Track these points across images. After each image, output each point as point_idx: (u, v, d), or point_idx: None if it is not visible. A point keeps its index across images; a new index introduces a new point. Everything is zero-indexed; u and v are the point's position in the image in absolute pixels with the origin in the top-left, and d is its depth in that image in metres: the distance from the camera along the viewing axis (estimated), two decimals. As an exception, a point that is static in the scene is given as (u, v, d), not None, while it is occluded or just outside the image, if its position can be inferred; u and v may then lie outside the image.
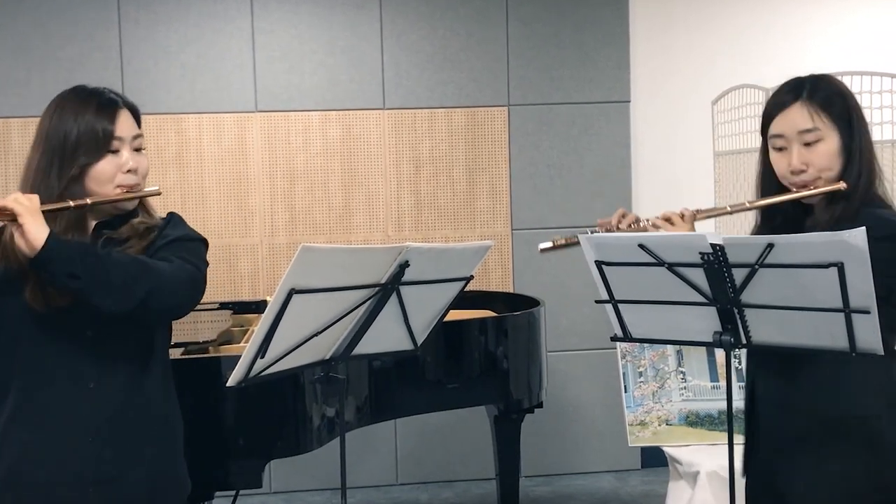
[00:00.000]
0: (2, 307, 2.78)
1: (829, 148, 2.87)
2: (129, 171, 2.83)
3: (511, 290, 6.37)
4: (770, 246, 2.49)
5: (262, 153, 6.27)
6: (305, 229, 6.25)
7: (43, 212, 2.59)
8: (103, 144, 2.79)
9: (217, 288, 5.98)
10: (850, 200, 2.83)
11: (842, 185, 2.84)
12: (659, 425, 4.71)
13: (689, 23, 6.66)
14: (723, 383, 4.52)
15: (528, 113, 6.50)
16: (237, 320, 4.76)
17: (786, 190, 2.96)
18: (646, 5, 6.63)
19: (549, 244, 3.12)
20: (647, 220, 3.09)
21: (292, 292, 2.55)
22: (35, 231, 2.54)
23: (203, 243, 2.95)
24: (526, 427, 4.96)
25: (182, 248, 2.87)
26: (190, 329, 4.37)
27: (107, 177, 2.80)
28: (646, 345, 4.65)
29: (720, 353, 4.41)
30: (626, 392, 4.75)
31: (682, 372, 4.68)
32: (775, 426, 2.95)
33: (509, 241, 6.46)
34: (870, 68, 5.48)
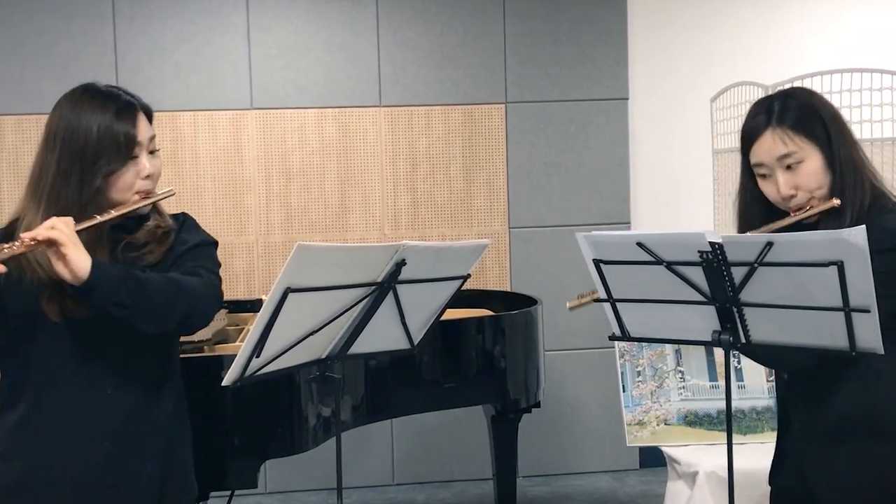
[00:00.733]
0: (17, 311, 2.75)
1: (812, 167, 2.86)
2: (147, 176, 2.81)
3: (508, 289, 6.36)
4: (769, 244, 2.48)
5: (257, 151, 6.26)
6: (301, 228, 6.25)
7: (76, 232, 2.58)
8: (126, 151, 2.76)
9: (212, 286, 5.92)
10: (847, 214, 2.82)
11: (835, 202, 2.83)
12: (657, 425, 4.69)
13: (688, 20, 6.65)
14: (722, 383, 4.53)
15: (526, 110, 6.50)
16: (232, 319, 4.74)
17: (774, 214, 2.94)
18: (644, 2, 6.63)
19: (576, 301, 3.08)
20: None
21: (288, 291, 2.54)
22: (79, 262, 2.54)
23: (216, 246, 2.97)
24: (523, 427, 4.96)
25: (201, 255, 2.88)
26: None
27: (128, 185, 2.79)
28: (644, 344, 4.64)
29: (719, 353, 4.40)
30: (624, 392, 4.73)
31: (680, 371, 4.67)
32: (806, 429, 2.94)
33: (506, 240, 6.46)
34: (868, 65, 5.47)
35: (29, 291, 2.70)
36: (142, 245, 2.82)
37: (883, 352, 2.51)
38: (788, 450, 3.03)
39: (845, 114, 3.27)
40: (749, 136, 2.95)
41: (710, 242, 2.55)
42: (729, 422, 2.83)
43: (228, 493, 4.07)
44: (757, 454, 3.90)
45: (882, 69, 5.43)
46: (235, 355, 2.70)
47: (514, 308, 4.92)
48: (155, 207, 2.90)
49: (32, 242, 2.52)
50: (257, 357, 2.66)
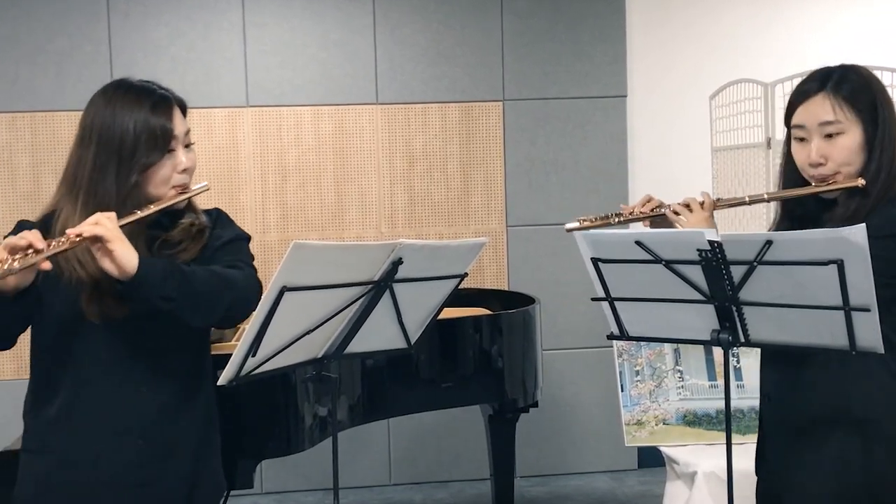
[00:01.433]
0: (56, 306, 2.78)
1: (850, 142, 2.85)
2: (184, 170, 2.83)
3: (506, 288, 6.36)
4: (769, 243, 2.48)
5: (253, 148, 6.26)
6: (297, 226, 6.25)
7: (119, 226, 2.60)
8: (163, 144, 2.78)
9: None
10: (867, 198, 2.81)
11: (860, 181, 2.82)
12: (656, 425, 4.69)
13: (687, 17, 6.65)
14: (721, 382, 4.53)
15: (524, 108, 6.50)
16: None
17: (807, 182, 2.94)
18: (643, -1, 6.57)
19: (576, 224, 3.12)
20: (669, 207, 3.14)
21: (284, 290, 2.53)
22: (126, 257, 2.56)
23: (249, 240, 3.00)
24: (521, 427, 4.96)
25: (236, 249, 2.91)
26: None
27: (165, 179, 2.81)
28: (643, 343, 4.63)
29: (718, 352, 4.40)
30: (622, 391, 4.73)
31: (679, 371, 4.67)
32: (782, 422, 2.97)
33: (504, 238, 6.46)
34: (869, 62, 5.47)
35: (68, 291, 2.73)
36: (177, 242, 2.84)
37: (883, 351, 2.51)
38: (767, 440, 3.07)
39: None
40: (798, 98, 2.94)
41: (709, 241, 2.54)
42: (728, 421, 2.83)
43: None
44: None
45: (882, 66, 5.43)
46: (231, 354, 2.69)
47: (511, 307, 4.93)
48: (189, 202, 2.92)
49: (77, 238, 2.55)
50: (253, 356, 2.64)
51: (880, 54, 6.16)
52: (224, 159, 6.25)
